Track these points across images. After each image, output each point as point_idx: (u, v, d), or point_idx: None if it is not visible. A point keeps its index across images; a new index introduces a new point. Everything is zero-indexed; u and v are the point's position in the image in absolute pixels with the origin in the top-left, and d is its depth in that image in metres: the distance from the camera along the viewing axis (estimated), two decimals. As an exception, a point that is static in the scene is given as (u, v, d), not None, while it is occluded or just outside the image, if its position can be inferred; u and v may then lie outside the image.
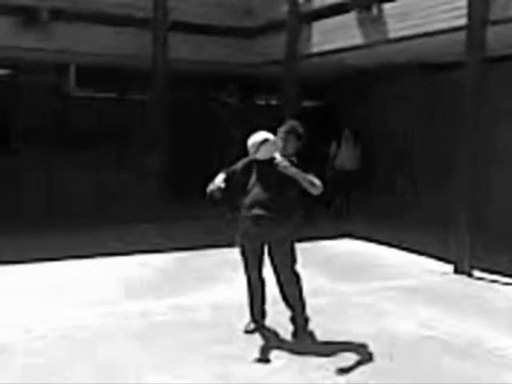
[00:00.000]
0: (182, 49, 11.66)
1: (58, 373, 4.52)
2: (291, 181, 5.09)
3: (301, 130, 5.36)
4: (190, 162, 13.60)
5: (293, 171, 5.06)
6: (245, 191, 5.30)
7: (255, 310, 5.49)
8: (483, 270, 7.88)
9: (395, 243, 9.53)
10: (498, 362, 4.97)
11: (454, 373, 4.73)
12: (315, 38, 11.02)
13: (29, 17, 10.51)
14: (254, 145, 5.23)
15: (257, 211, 5.14)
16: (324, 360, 4.87)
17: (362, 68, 12.49)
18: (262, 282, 5.42)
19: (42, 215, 10.21)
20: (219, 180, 5.20)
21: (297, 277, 5.30)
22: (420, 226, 10.68)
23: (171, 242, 9.35)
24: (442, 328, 5.74)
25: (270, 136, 5.26)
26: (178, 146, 12.48)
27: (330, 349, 5.12)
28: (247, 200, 5.24)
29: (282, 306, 5.49)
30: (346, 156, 12.17)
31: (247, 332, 5.38)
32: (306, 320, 5.47)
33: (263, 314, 5.55)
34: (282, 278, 5.26)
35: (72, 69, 12.73)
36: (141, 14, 11.29)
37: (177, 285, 7.07)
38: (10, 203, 10.13)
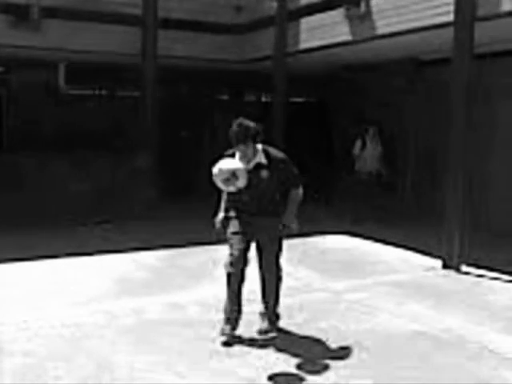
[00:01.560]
0: (173, 46, 11.68)
1: (51, 371, 4.54)
2: (277, 186, 5.19)
3: (251, 130, 5.05)
4: (181, 159, 13.65)
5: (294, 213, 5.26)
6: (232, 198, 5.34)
7: (230, 309, 5.28)
8: (471, 264, 7.96)
9: (388, 240, 9.60)
10: (489, 356, 5.02)
11: (445, 367, 4.78)
12: (303, 35, 11.05)
13: (19, 14, 10.49)
14: (217, 179, 5.12)
15: (248, 219, 5.22)
16: (313, 355, 4.92)
17: (351, 64, 12.54)
18: (243, 276, 5.25)
19: (32, 214, 10.18)
20: (220, 217, 5.38)
21: (278, 270, 5.31)
22: (418, 223, 10.74)
23: (160, 239, 9.39)
24: (433, 323, 5.80)
25: (238, 168, 5.08)
26: (169, 143, 12.51)
27: (320, 344, 5.17)
28: (238, 207, 5.29)
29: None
30: (370, 156, 11.48)
31: (225, 336, 5.17)
32: (277, 317, 5.44)
33: (239, 311, 5.33)
34: (264, 265, 5.26)
35: (62, 66, 12.71)
36: (131, 11, 11.29)
37: (166, 282, 7.12)
38: (1, 202, 10.11)
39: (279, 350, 5.04)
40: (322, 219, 11.41)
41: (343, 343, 5.23)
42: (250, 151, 5.10)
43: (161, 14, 11.34)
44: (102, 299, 6.42)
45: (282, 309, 5.54)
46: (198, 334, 5.37)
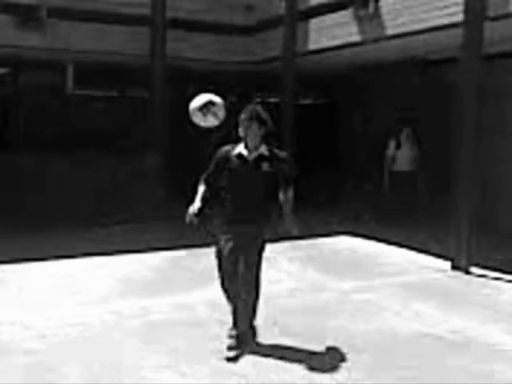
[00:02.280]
0: (181, 46, 11.69)
1: (59, 371, 4.54)
2: (270, 179, 4.99)
3: (264, 115, 4.91)
4: (189, 160, 13.62)
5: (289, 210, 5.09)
6: (222, 195, 5.05)
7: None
8: (480, 266, 7.92)
9: (395, 240, 9.56)
10: (498, 357, 4.98)
11: (454, 368, 4.75)
12: (313, 35, 11.03)
13: (28, 15, 10.53)
14: (194, 112, 4.88)
15: (239, 228, 4.95)
16: (320, 356, 4.90)
17: (361, 65, 12.50)
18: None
19: (41, 214, 10.20)
20: (193, 208, 4.97)
21: (257, 278, 4.98)
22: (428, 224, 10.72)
23: (166, 241, 9.38)
24: (440, 324, 5.76)
25: (214, 98, 4.88)
26: (177, 144, 12.50)
27: (327, 344, 5.14)
28: (227, 212, 5.01)
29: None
30: (406, 156, 11.27)
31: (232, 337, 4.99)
32: (251, 326, 5.14)
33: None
34: (244, 280, 4.91)
35: (70, 67, 12.74)
36: (140, 12, 11.30)
37: (176, 282, 7.11)
38: (9, 202, 10.13)
39: (286, 348, 5.03)
40: (332, 221, 11.38)
41: (351, 343, 5.21)
42: (257, 140, 4.92)
43: (169, 14, 11.35)
44: (109, 300, 6.41)
45: (289, 308, 5.51)
46: (206, 334, 5.35)
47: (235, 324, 5.06)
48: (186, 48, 11.85)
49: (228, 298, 5.13)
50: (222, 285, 5.10)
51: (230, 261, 4.93)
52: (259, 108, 4.95)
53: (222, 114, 4.94)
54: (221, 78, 14.16)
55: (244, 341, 5.00)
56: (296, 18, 11.24)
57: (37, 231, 9.64)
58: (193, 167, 13.55)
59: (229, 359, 4.78)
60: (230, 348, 4.89)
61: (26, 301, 6.33)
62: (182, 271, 7.69)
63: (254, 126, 4.87)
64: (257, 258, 4.95)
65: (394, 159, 11.33)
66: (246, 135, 4.93)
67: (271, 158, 4.97)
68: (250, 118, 4.87)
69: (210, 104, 4.83)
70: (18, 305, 6.19)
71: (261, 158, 4.95)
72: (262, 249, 5.00)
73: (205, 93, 5.02)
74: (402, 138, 11.31)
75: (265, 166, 4.94)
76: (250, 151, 4.95)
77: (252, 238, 4.93)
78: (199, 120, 4.94)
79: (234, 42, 12.52)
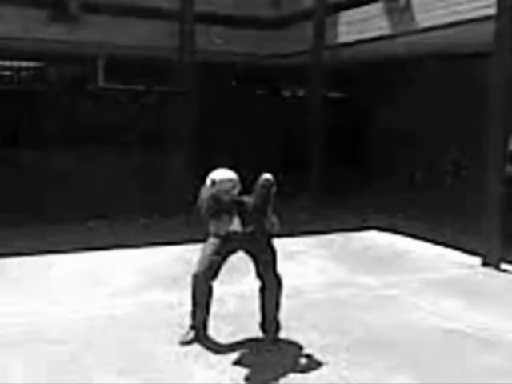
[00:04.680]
0: (210, 40, 11.70)
1: (87, 360, 4.59)
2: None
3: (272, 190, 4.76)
4: (217, 156, 13.64)
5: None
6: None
7: (197, 318, 5.07)
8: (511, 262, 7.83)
9: (423, 235, 9.49)
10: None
11: (481, 366, 4.70)
12: (342, 29, 10.97)
13: (58, 9, 10.63)
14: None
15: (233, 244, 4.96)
16: (347, 351, 4.88)
17: (390, 59, 12.40)
18: (210, 288, 5.02)
19: (77, 208, 10.37)
20: None
21: (278, 281, 4.99)
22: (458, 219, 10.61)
23: (197, 234, 9.40)
24: (469, 321, 5.70)
25: (219, 195, 4.57)
26: (206, 139, 12.53)
27: (354, 340, 5.13)
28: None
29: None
30: None
31: (183, 343, 4.96)
32: (278, 327, 5.14)
33: (205, 323, 5.12)
34: (265, 280, 4.96)
35: (101, 61, 12.81)
36: (169, 6, 11.33)
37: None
38: (45, 197, 10.30)
39: (309, 344, 5.01)
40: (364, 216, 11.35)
41: (377, 339, 5.18)
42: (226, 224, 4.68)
43: (198, 8, 11.34)
44: (136, 292, 6.47)
45: (316, 303, 5.48)
46: (236, 327, 5.36)
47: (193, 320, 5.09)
48: (215, 42, 11.84)
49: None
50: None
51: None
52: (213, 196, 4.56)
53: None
54: (249, 71, 14.18)
55: (272, 332, 5.07)
56: (325, 11, 11.18)
57: (71, 223, 9.84)
58: (219, 164, 13.68)
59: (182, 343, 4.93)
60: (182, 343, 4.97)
61: (54, 292, 6.40)
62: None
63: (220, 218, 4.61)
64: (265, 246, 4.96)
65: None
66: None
67: (242, 217, 4.77)
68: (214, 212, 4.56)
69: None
70: (45, 295, 6.26)
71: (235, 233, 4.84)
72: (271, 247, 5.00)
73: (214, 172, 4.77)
74: None
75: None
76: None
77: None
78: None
79: (262, 35, 12.49)
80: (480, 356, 4.88)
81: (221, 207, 4.49)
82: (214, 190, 4.56)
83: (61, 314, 5.66)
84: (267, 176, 4.78)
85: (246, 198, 4.73)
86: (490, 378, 4.51)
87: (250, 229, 4.81)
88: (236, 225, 4.74)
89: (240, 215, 4.72)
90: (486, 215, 7.91)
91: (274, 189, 4.78)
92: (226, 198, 4.57)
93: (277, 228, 4.99)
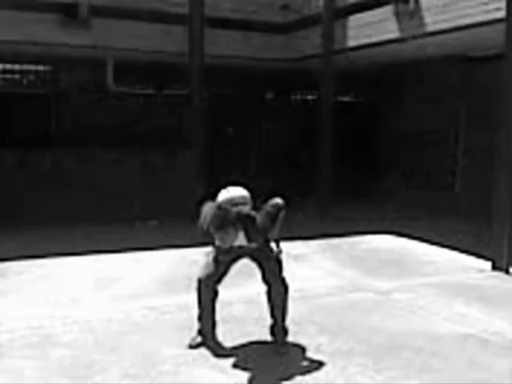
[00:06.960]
0: (219, 44, 11.72)
1: (98, 364, 4.60)
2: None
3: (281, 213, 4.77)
4: (226, 159, 13.67)
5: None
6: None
7: (204, 322, 5.05)
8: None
9: (435, 240, 9.46)
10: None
11: (494, 369, 4.67)
12: (351, 32, 10.96)
13: (68, 13, 10.68)
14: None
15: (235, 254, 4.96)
16: (360, 355, 4.86)
17: (400, 63, 12.39)
18: (216, 292, 5.01)
19: (84, 211, 10.45)
20: None
21: (285, 287, 4.94)
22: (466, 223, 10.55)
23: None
24: (480, 325, 5.67)
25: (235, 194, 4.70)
26: (214, 142, 12.55)
27: (367, 344, 5.11)
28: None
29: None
30: None
31: (191, 347, 4.98)
32: (286, 332, 5.09)
33: (213, 326, 5.07)
34: (271, 287, 4.92)
35: (110, 65, 12.85)
36: (178, 10, 11.35)
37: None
38: (54, 200, 10.34)
39: (318, 348, 5.00)
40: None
41: (389, 343, 5.16)
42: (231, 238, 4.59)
43: (207, 12, 11.36)
44: (149, 295, 6.48)
45: (324, 306, 5.47)
46: (242, 331, 5.36)
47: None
48: (224, 46, 11.87)
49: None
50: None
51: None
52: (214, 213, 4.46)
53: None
54: (258, 75, 14.19)
55: (281, 336, 5.04)
56: (334, 16, 11.18)
57: (80, 226, 9.89)
58: (230, 166, 13.71)
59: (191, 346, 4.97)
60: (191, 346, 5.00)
61: (66, 294, 6.42)
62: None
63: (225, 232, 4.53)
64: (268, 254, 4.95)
65: None
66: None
67: (247, 232, 4.69)
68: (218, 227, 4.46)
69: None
70: (58, 298, 6.28)
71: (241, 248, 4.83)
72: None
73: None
74: None
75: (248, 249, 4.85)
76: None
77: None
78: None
79: (271, 39, 12.51)
80: (492, 359, 4.85)
81: (227, 218, 4.44)
82: (219, 203, 4.57)
83: (72, 318, 5.67)
84: (278, 200, 4.83)
85: (253, 212, 4.72)
86: (502, 381, 4.47)
87: (254, 245, 4.81)
88: (241, 239, 4.72)
89: (246, 230, 4.68)
90: (496, 219, 7.87)
91: (282, 213, 4.79)
92: (233, 209, 4.55)
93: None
